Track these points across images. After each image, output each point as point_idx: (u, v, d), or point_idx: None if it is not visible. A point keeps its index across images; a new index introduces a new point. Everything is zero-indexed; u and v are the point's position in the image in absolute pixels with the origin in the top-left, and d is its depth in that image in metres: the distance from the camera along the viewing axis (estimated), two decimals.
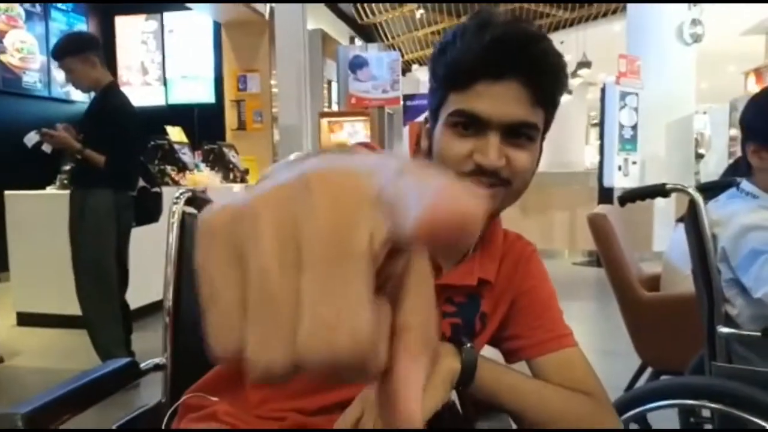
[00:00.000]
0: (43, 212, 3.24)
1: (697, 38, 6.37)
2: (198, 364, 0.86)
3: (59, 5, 6.49)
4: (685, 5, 6.33)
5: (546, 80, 0.76)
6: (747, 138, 1.38)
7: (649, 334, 2.24)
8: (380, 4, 9.55)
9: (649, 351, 2.26)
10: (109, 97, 2.81)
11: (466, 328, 0.86)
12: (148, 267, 3.39)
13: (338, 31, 9.27)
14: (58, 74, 5.28)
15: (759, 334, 1.26)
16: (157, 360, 1.00)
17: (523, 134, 0.78)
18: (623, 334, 2.43)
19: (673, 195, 1.43)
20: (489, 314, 0.89)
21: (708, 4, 6.62)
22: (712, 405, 1.21)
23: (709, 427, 1.75)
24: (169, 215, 1.03)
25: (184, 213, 1.04)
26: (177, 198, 1.03)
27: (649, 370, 2.38)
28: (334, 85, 8.05)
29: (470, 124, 0.77)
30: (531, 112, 0.76)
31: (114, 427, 0.92)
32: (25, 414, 0.70)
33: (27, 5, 6.02)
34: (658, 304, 2.23)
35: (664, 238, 5.90)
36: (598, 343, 3.66)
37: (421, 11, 9.87)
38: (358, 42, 9.74)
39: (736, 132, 6.36)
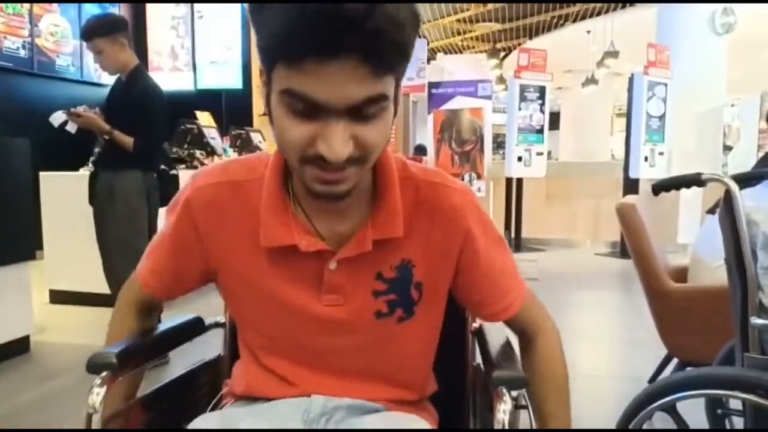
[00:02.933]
0: (76, 193, 3.31)
1: (728, 28, 6.25)
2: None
3: None
4: None
5: (389, 50, 0.62)
6: None
7: (676, 325, 2.24)
8: None
9: (676, 342, 2.26)
10: (137, 79, 2.83)
11: (403, 301, 0.85)
12: None
13: None
14: (90, 58, 5.35)
15: None
16: (218, 318, 1.11)
17: (370, 113, 0.66)
18: (646, 324, 2.43)
19: (699, 187, 1.43)
20: (426, 284, 0.85)
21: None
22: (744, 396, 1.21)
23: (736, 418, 1.76)
24: None
25: None
26: None
27: (674, 362, 2.39)
28: None
29: (307, 110, 0.65)
30: (376, 85, 0.64)
31: (183, 372, 1.05)
32: (118, 353, 0.85)
33: None
34: (685, 295, 2.23)
35: (690, 230, 5.84)
36: (621, 334, 3.66)
37: None
38: None
39: (766, 125, 6.23)
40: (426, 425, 0.86)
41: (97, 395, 0.83)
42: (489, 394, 0.87)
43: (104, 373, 0.84)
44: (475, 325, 1.07)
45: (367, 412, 0.87)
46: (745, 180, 1.48)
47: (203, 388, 1.09)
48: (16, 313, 3.09)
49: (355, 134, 0.66)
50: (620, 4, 10.04)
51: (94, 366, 0.85)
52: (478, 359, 1.02)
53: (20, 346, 3.10)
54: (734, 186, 1.36)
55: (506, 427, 0.78)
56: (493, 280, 0.89)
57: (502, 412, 0.79)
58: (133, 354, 0.90)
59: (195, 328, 1.05)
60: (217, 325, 1.11)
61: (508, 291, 0.90)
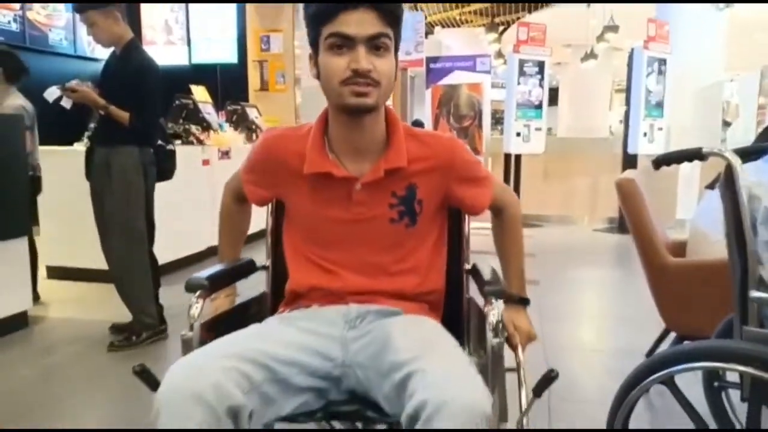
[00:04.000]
0: (71, 168, 3.28)
1: (729, 3, 6.17)
2: (286, 267, 1.32)
3: None
4: None
5: (389, 6, 1.10)
6: None
7: (674, 300, 2.25)
8: None
9: (674, 316, 2.27)
10: (132, 53, 2.79)
11: (408, 212, 1.24)
12: (172, 224, 3.45)
13: None
14: (84, 32, 5.28)
15: None
16: (265, 262, 1.49)
17: (382, 45, 1.10)
18: (643, 299, 2.44)
19: (698, 163, 1.42)
20: (425, 200, 1.25)
21: None
22: (742, 368, 1.22)
23: (732, 391, 1.78)
24: None
25: None
26: None
27: (671, 337, 2.41)
28: None
29: (342, 44, 1.08)
30: (383, 27, 1.09)
31: (236, 303, 1.38)
32: (207, 277, 1.21)
33: None
34: (684, 270, 2.24)
35: (688, 206, 5.85)
36: (618, 309, 3.68)
37: None
38: None
39: (765, 100, 6.20)
40: (437, 323, 1.23)
41: (196, 308, 1.15)
42: (478, 319, 1.29)
43: (199, 291, 1.18)
44: (468, 266, 1.44)
45: (390, 315, 1.21)
46: (746, 154, 1.48)
47: (253, 318, 1.36)
48: (14, 289, 3.09)
49: (373, 61, 1.10)
50: None
51: (191, 286, 1.18)
52: (472, 294, 1.40)
53: (18, 321, 3.11)
54: (735, 160, 1.35)
55: (494, 324, 1.12)
56: (473, 191, 1.30)
57: (492, 315, 1.13)
58: (215, 280, 1.24)
59: (251, 267, 1.42)
60: (264, 267, 1.48)
61: (483, 195, 1.31)
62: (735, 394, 1.74)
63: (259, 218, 1.49)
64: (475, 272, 1.36)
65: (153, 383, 1.05)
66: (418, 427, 0.89)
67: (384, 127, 1.22)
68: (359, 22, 1.07)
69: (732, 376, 1.55)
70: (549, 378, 1.06)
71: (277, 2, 6.53)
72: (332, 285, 1.24)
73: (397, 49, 1.15)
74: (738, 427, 1.75)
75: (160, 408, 0.93)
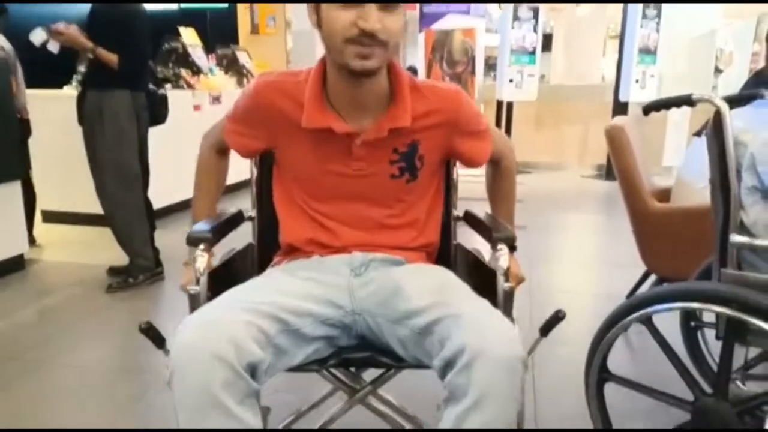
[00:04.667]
0: (62, 112, 3.26)
1: None
2: (273, 218, 1.33)
3: None
4: None
5: None
6: None
7: (657, 244, 2.31)
8: None
9: (655, 259, 2.34)
10: None
11: (409, 167, 1.21)
12: (164, 169, 3.45)
13: None
14: None
15: None
16: (251, 213, 1.47)
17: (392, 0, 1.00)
18: (628, 245, 2.50)
19: (688, 111, 1.44)
20: (426, 155, 1.22)
21: None
22: (719, 309, 1.27)
23: (708, 330, 1.86)
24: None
25: None
26: None
27: (650, 279, 2.49)
28: None
29: None
30: None
31: (228, 254, 1.35)
32: (209, 230, 1.18)
33: None
34: (667, 215, 2.29)
35: (675, 153, 5.89)
36: (604, 255, 3.76)
37: None
38: None
39: (759, 47, 6.15)
40: (447, 270, 1.24)
41: (202, 261, 1.13)
42: (467, 264, 1.38)
43: (202, 245, 1.14)
44: (457, 213, 1.46)
45: (393, 263, 1.21)
46: (735, 101, 1.50)
47: (242, 270, 1.40)
48: (10, 232, 3.11)
49: (382, 19, 1.00)
50: None
51: (194, 239, 1.15)
52: (459, 240, 1.46)
53: (15, 264, 3.15)
54: (724, 107, 1.37)
55: (504, 269, 1.13)
56: (475, 145, 1.28)
57: (503, 260, 1.14)
58: (214, 232, 1.20)
59: (240, 218, 1.40)
60: (250, 218, 1.46)
61: (484, 149, 1.30)
62: (711, 333, 1.83)
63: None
64: (471, 219, 1.38)
65: (159, 341, 1.04)
66: (455, 371, 0.90)
67: (387, 81, 1.15)
68: None
69: (708, 317, 1.62)
70: (556, 318, 1.08)
71: None
72: (331, 241, 1.22)
73: (403, 17, 1.06)
74: (710, 362, 1.84)
75: (175, 368, 0.89)
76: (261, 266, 1.41)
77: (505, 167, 1.39)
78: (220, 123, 1.31)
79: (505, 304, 1.13)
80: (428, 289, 1.08)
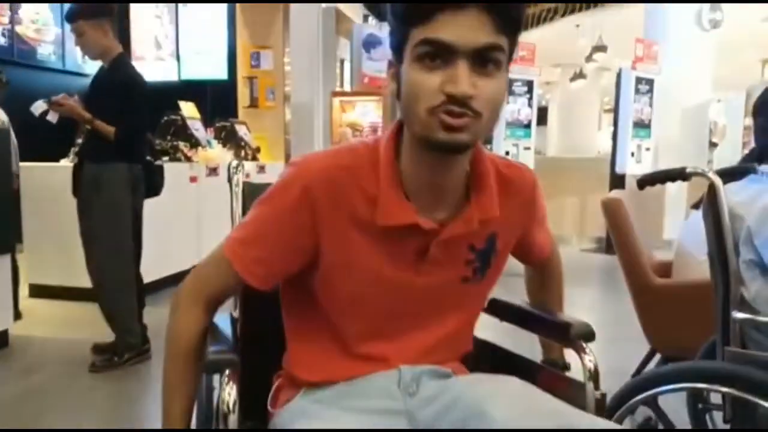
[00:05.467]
0: (56, 185, 3.27)
1: (715, 24, 6.29)
2: (261, 319, 1.06)
3: None
4: None
5: (508, 7, 0.79)
6: None
7: (660, 320, 2.25)
8: None
9: (659, 337, 2.26)
10: (120, 68, 2.80)
11: (483, 266, 0.97)
12: (159, 241, 3.42)
13: (351, 9, 9.18)
14: (73, 47, 5.27)
15: None
16: (233, 313, 1.15)
17: (491, 60, 0.79)
18: (631, 320, 2.43)
19: (687, 183, 1.43)
20: (501, 250, 1.00)
21: None
22: (724, 389, 1.22)
23: (716, 413, 1.77)
24: (232, 185, 1.18)
25: (244, 183, 1.20)
26: (235, 168, 1.19)
27: (657, 357, 2.40)
28: (347, 65, 8.01)
29: (437, 55, 0.78)
30: (497, 37, 0.78)
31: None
32: (232, 350, 0.92)
33: None
34: (669, 290, 2.23)
35: (674, 226, 5.87)
36: (606, 330, 3.67)
37: None
38: (372, 21, 9.66)
39: (750, 121, 6.29)
40: (529, 385, 0.95)
41: (230, 395, 0.85)
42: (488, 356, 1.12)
43: (228, 371, 0.87)
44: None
45: (443, 376, 0.98)
46: (729, 175, 1.49)
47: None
48: None
49: (476, 83, 0.78)
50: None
51: (216, 366, 0.89)
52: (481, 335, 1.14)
53: None
54: (718, 180, 1.37)
55: (592, 372, 0.96)
56: (539, 235, 1.10)
57: (588, 361, 0.97)
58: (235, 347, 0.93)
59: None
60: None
61: (546, 239, 1.13)
62: (719, 416, 1.73)
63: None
64: (507, 311, 1.16)
65: None
66: None
67: (467, 162, 0.92)
68: (463, 27, 0.76)
69: (716, 398, 1.55)
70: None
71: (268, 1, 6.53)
72: (370, 365, 0.96)
73: (508, 66, 0.85)
74: None
75: None
76: (249, 391, 1.01)
77: (558, 263, 1.20)
78: (212, 260, 0.94)
79: (597, 413, 0.94)
80: (526, 407, 0.87)
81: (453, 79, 0.77)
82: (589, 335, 0.99)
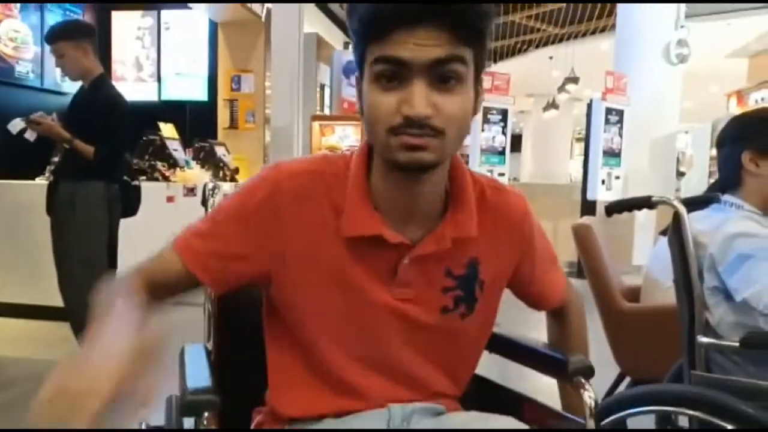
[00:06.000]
0: (28, 203, 3.25)
1: (682, 59, 6.51)
2: (237, 350, 1.00)
3: None
4: (672, 26, 6.48)
5: (466, 17, 0.73)
6: (745, 146, 1.44)
7: (629, 344, 2.30)
8: None
9: (629, 360, 2.31)
10: (100, 88, 2.80)
11: (468, 297, 0.90)
12: (135, 260, 3.39)
13: (333, 36, 9.30)
14: (52, 65, 5.24)
15: (737, 343, 1.32)
16: (207, 345, 1.06)
17: (451, 75, 0.75)
18: (601, 344, 2.48)
19: (655, 210, 1.50)
20: (487, 282, 0.92)
21: (695, 24, 6.78)
22: (690, 412, 1.25)
23: None
24: (207, 207, 1.08)
25: None
26: (211, 190, 1.08)
27: (626, 380, 2.45)
28: (327, 90, 8.08)
29: (394, 76, 0.75)
30: (455, 49, 0.74)
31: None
32: (210, 389, 0.81)
33: None
34: (638, 315, 2.29)
35: (644, 252, 6.00)
36: None
37: None
38: (352, 48, 9.79)
39: (716, 153, 6.49)
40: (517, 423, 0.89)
41: None
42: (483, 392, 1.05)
43: (207, 414, 0.78)
44: None
45: (435, 413, 0.92)
46: (693, 203, 1.55)
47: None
48: None
49: (435, 102, 0.74)
50: (581, 33, 10.37)
51: (194, 408, 0.78)
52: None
53: None
54: (682, 209, 1.42)
55: (592, 409, 0.91)
56: (547, 275, 1.01)
57: (588, 397, 0.92)
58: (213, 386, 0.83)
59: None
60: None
61: (557, 281, 1.04)
62: None
63: None
64: (503, 345, 1.09)
65: None
66: None
67: (445, 180, 0.87)
68: (421, 43, 0.72)
69: (684, 420, 1.59)
70: None
71: None
72: (357, 401, 0.89)
73: (478, 76, 0.81)
74: None
75: None
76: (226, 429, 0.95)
77: (580, 308, 1.11)
78: (166, 248, 0.88)
79: None
80: None
81: (409, 100, 0.74)
82: (588, 371, 0.95)
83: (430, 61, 0.73)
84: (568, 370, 0.95)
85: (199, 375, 0.86)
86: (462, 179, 0.88)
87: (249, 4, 6.15)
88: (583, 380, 0.93)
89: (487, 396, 1.07)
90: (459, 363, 0.96)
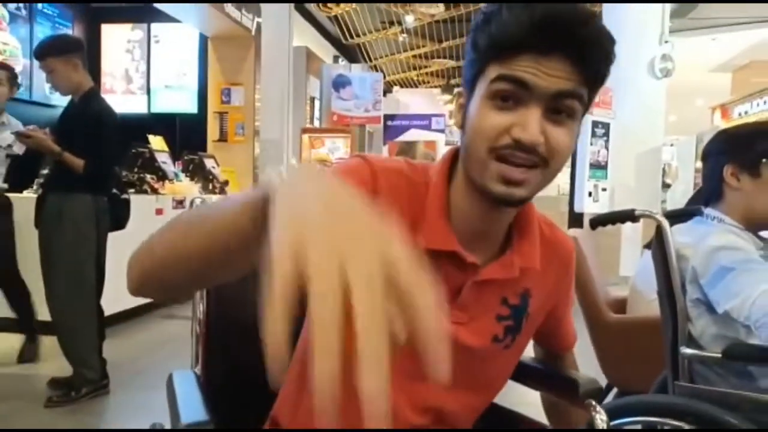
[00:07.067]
0: (19, 216, 3.22)
1: (667, 73, 6.60)
2: (228, 375, 0.95)
3: (45, 10, 6.45)
4: (656, 41, 6.58)
5: (594, 59, 0.73)
6: (728, 160, 1.47)
7: (615, 355, 2.31)
8: (364, 26, 9.69)
9: (615, 372, 2.33)
10: (91, 102, 2.79)
11: (516, 328, 0.89)
12: (123, 273, 3.37)
13: (322, 49, 9.36)
14: (41, 78, 5.23)
15: (720, 355, 1.34)
16: (195, 370, 1.02)
17: (565, 109, 0.74)
18: (588, 355, 2.50)
19: (641, 221, 1.52)
20: (532, 314, 0.90)
21: (678, 39, 6.89)
22: (675, 422, 1.27)
23: None
24: None
25: None
26: (200, 204, 1.04)
27: (614, 391, 2.46)
28: (317, 103, 8.12)
29: (511, 96, 0.73)
30: (576, 86, 0.73)
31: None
32: (207, 422, 0.77)
33: (12, 7, 5.97)
34: (624, 327, 2.30)
35: (631, 263, 6.06)
36: None
37: (404, 35, 10.03)
38: (342, 61, 9.85)
39: (701, 164, 6.57)
40: None
41: None
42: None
43: None
44: None
45: None
46: (676, 216, 1.58)
47: None
48: None
49: (546, 130, 0.73)
50: None
51: None
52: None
53: None
54: (665, 222, 1.45)
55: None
56: (569, 320, 1.02)
57: (600, 420, 0.90)
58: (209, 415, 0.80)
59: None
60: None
61: (572, 329, 1.04)
62: None
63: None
64: (519, 367, 1.03)
65: None
66: None
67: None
68: (544, 71, 0.72)
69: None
70: None
71: None
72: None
73: (582, 118, 0.78)
74: None
75: None
76: None
77: (576, 365, 1.09)
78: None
79: None
80: None
81: (523, 123, 0.72)
82: (599, 393, 0.94)
83: (552, 91, 0.72)
84: (578, 393, 0.93)
85: (193, 407, 0.82)
86: (529, 210, 0.88)
87: (239, 18, 6.19)
88: (594, 403, 0.91)
89: (497, 421, 1.06)
90: (486, 391, 0.94)
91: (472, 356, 0.86)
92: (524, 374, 1.05)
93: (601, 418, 0.89)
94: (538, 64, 0.71)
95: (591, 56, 0.73)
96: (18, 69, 6.05)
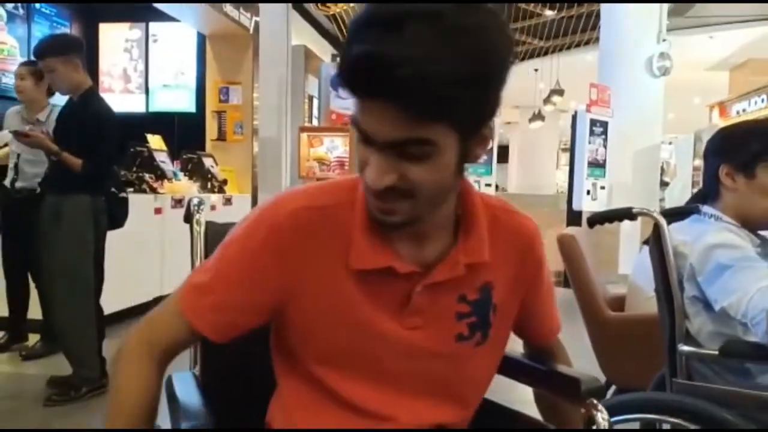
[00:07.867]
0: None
1: (665, 71, 6.61)
2: (227, 376, 0.95)
3: (43, 9, 6.44)
4: (654, 39, 6.59)
5: (423, 97, 0.63)
6: (723, 160, 1.47)
7: (613, 353, 2.32)
8: None
9: (613, 369, 2.34)
10: (90, 101, 2.79)
11: (482, 323, 0.87)
12: (122, 272, 3.38)
13: (321, 48, 9.36)
14: None
15: (717, 352, 1.34)
16: (193, 371, 1.01)
17: (413, 154, 0.68)
18: (587, 353, 2.51)
19: (639, 219, 1.53)
20: (499, 305, 0.88)
21: (676, 37, 6.90)
22: (673, 419, 1.28)
23: None
24: (193, 224, 1.07)
25: (207, 222, 1.08)
26: (197, 206, 1.06)
27: (612, 388, 2.47)
28: (315, 102, 8.12)
29: (361, 136, 0.71)
30: (418, 130, 0.66)
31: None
32: None
33: (9, 7, 5.96)
34: (622, 324, 2.31)
35: (629, 261, 6.06)
36: None
37: None
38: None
39: (699, 162, 6.58)
40: None
41: None
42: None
43: None
44: None
45: None
46: (674, 215, 1.59)
47: None
48: None
49: (401, 170, 0.70)
50: (566, 46, 10.51)
51: None
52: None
53: None
54: (662, 220, 1.46)
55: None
56: (548, 306, 1.01)
57: (602, 419, 0.88)
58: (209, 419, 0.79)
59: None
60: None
61: (554, 315, 1.03)
62: None
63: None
64: (518, 366, 1.04)
65: None
66: None
67: (454, 203, 0.83)
68: (376, 116, 0.67)
69: (668, 426, 1.61)
70: None
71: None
72: (366, 424, 0.85)
73: (469, 135, 0.72)
74: None
75: None
76: None
77: (565, 354, 1.09)
78: (165, 307, 0.83)
79: None
80: None
81: (370, 165, 0.70)
82: (601, 392, 0.92)
83: (386, 141, 0.68)
84: (580, 391, 0.90)
85: (193, 408, 0.82)
86: (471, 205, 0.85)
87: (237, 17, 6.18)
88: (596, 402, 0.89)
89: (495, 420, 1.04)
90: (470, 390, 0.92)
91: (439, 359, 0.85)
92: (523, 372, 1.04)
93: (603, 417, 0.88)
94: (371, 109, 0.67)
95: (411, 94, 0.63)
96: (15, 68, 6.06)
